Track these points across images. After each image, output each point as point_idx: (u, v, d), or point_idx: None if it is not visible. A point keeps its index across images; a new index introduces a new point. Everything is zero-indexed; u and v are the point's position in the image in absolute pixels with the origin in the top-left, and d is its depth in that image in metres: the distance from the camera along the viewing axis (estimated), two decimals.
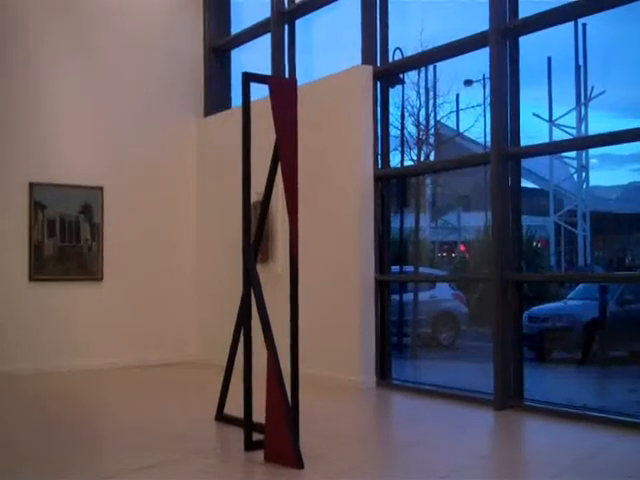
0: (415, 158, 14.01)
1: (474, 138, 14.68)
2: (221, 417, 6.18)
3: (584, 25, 13.24)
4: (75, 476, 4.76)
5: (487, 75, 9.41)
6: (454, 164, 9.01)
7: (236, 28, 10.53)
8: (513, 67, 6.90)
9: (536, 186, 15.92)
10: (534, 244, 15.34)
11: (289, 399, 5.01)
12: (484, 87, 13.38)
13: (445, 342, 13.44)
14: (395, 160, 11.99)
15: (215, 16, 10.62)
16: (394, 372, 8.12)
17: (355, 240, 7.94)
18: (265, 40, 9.62)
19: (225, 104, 10.52)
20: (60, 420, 6.51)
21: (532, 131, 13.84)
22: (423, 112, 14.42)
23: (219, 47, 10.59)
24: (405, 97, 13.21)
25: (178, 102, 10.38)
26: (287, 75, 9.25)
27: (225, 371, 6.21)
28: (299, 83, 5.72)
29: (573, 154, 14.63)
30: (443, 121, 15.03)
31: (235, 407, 5.69)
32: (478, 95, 14.32)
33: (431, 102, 14.62)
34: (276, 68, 9.26)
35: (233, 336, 6.15)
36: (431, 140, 15.18)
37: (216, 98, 10.54)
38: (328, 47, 9.76)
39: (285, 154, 5.24)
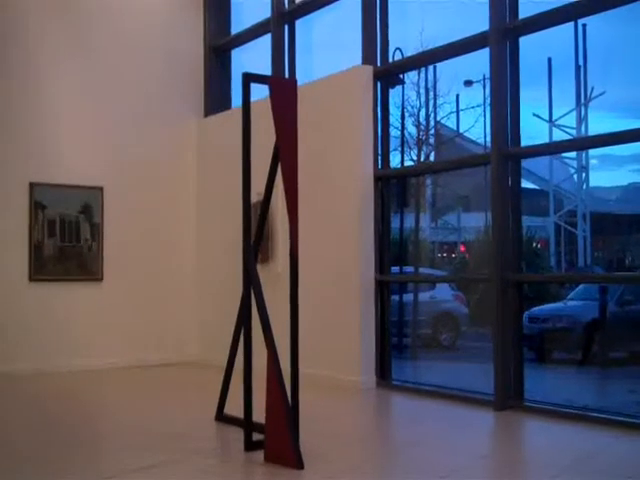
0: (415, 158, 14.03)
1: (474, 138, 14.69)
2: (221, 417, 6.18)
3: (584, 25, 13.24)
4: (75, 476, 4.76)
5: (487, 75, 9.38)
6: (454, 164, 9.01)
7: (236, 28, 10.53)
8: (513, 67, 6.91)
9: (536, 186, 15.91)
10: (534, 245, 15.34)
11: (289, 399, 5.01)
12: (484, 87, 13.38)
13: (445, 342, 13.43)
14: (395, 160, 12.01)
15: (215, 16, 10.62)
16: (394, 372, 8.12)
17: (355, 240, 7.94)
18: (265, 40, 9.62)
19: (225, 104, 10.53)
20: (60, 420, 6.51)
21: (532, 131, 13.85)
22: (423, 112, 14.45)
23: (219, 47, 10.59)
24: (405, 97, 13.23)
25: (178, 102, 10.38)
26: (287, 75, 9.25)
27: (225, 371, 6.21)
28: (299, 83, 5.71)
29: (573, 154, 14.62)
30: (443, 121, 15.04)
31: (235, 407, 5.69)
32: (478, 95, 14.32)
33: (431, 102, 14.63)
34: (276, 68, 9.27)
35: (233, 336, 6.15)
36: (431, 140, 15.19)
37: (216, 98, 10.54)
38: (328, 47, 9.76)
39: (285, 154, 5.24)
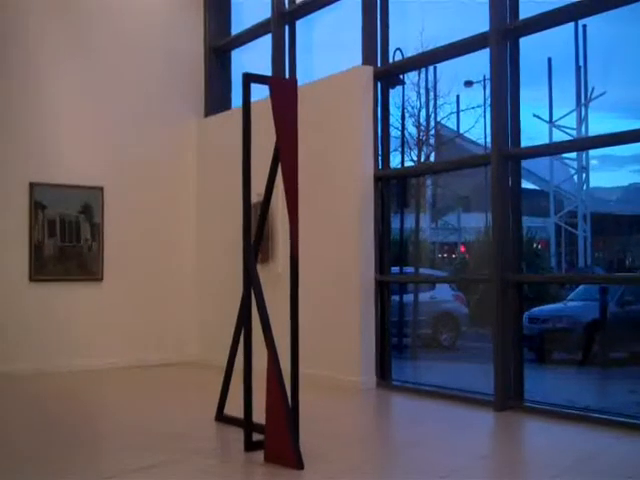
0: (415, 159, 14.03)
1: (474, 139, 14.69)
2: (221, 417, 6.18)
3: (584, 26, 13.24)
4: (75, 476, 4.76)
5: (487, 76, 9.39)
6: (454, 165, 9.02)
7: (236, 28, 10.53)
8: (513, 68, 6.90)
9: (536, 187, 15.91)
10: (534, 245, 15.33)
11: (289, 399, 5.01)
12: (484, 88, 13.37)
13: (445, 343, 13.43)
14: (395, 161, 12.01)
15: (215, 16, 10.62)
16: (394, 373, 8.12)
17: (355, 240, 7.94)
18: (266, 40, 9.62)
19: (225, 104, 10.52)
20: (60, 420, 6.51)
21: (532, 132, 13.83)
22: (423, 113, 14.45)
23: (219, 47, 10.59)
24: (405, 98, 13.23)
25: (178, 102, 10.38)
26: (287, 75, 9.25)
27: (225, 371, 6.21)
28: (299, 83, 5.72)
29: (573, 155, 14.62)
30: (443, 122, 15.04)
31: (235, 407, 5.69)
32: (478, 96, 14.29)
33: (431, 103, 14.63)
34: (276, 68, 9.27)
35: (233, 336, 6.15)
36: (431, 141, 15.19)
37: (216, 98, 10.54)
38: (328, 47, 9.76)
39: (285, 154, 5.23)
